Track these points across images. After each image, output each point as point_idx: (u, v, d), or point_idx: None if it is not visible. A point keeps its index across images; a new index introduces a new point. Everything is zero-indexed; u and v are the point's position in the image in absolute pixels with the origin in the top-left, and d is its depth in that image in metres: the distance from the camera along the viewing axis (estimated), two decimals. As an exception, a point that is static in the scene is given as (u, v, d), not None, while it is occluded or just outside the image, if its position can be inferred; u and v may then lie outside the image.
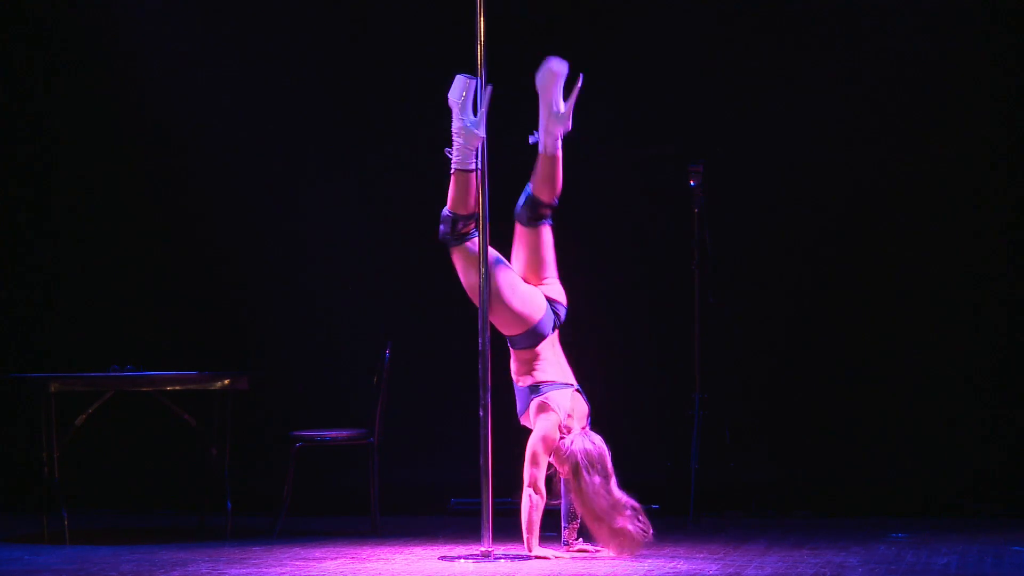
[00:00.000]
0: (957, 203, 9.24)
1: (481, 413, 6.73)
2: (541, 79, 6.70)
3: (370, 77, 9.84)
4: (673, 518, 8.49)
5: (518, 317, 6.77)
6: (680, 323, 8.93)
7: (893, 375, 9.25)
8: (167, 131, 9.87)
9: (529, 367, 6.84)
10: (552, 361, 6.88)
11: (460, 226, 6.82)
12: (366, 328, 9.56)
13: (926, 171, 9.22)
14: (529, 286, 6.84)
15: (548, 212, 6.86)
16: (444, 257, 7.24)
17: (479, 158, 6.82)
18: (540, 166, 6.76)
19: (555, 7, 9.53)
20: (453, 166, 6.90)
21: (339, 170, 9.80)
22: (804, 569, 6.34)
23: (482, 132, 6.75)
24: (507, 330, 6.82)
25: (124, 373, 8.13)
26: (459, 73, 6.94)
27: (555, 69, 6.69)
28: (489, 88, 6.78)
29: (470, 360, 7.17)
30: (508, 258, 7.01)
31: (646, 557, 6.73)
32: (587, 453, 6.65)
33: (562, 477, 6.78)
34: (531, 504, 6.67)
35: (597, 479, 6.65)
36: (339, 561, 6.88)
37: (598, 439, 6.75)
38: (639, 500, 6.96)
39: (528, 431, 6.84)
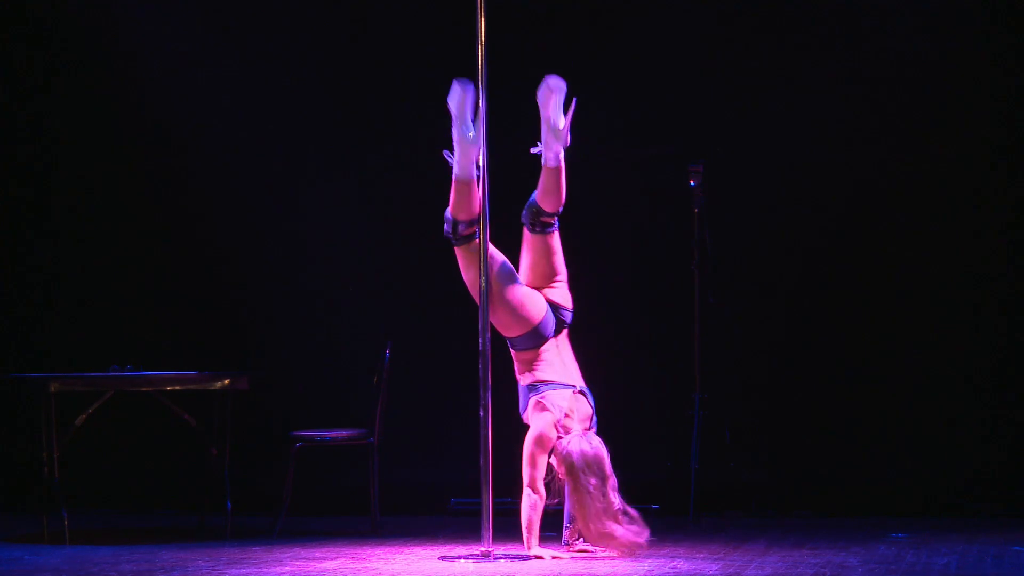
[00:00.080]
0: (957, 203, 9.25)
1: (481, 413, 6.73)
2: (541, 96, 6.78)
3: (370, 77, 9.86)
4: (673, 518, 8.52)
5: (517, 318, 6.81)
6: (680, 323, 8.95)
7: (893, 375, 9.26)
8: (167, 131, 9.89)
9: (530, 367, 6.88)
10: (555, 362, 6.90)
11: (462, 228, 6.86)
12: (366, 328, 9.57)
13: (926, 171, 9.23)
14: (529, 289, 6.87)
15: (552, 220, 6.91)
16: (444, 257, 7.27)
17: (480, 165, 6.85)
18: (543, 178, 6.82)
19: (555, 6, 9.56)
20: (454, 174, 6.92)
21: (339, 170, 9.82)
22: (804, 569, 6.35)
23: (480, 143, 6.77)
24: (507, 331, 6.86)
25: (124, 373, 8.13)
26: (457, 79, 6.94)
27: (553, 87, 6.77)
28: (483, 100, 6.82)
29: (470, 360, 7.17)
30: (516, 260, 7.04)
31: (646, 557, 6.74)
32: (583, 454, 6.66)
33: (560, 477, 6.79)
34: (529, 504, 6.69)
35: (592, 480, 6.65)
36: (339, 561, 6.88)
37: (596, 441, 6.75)
38: (639, 500, 6.98)
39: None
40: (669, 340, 9.25)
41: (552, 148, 6.77)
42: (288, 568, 6.61)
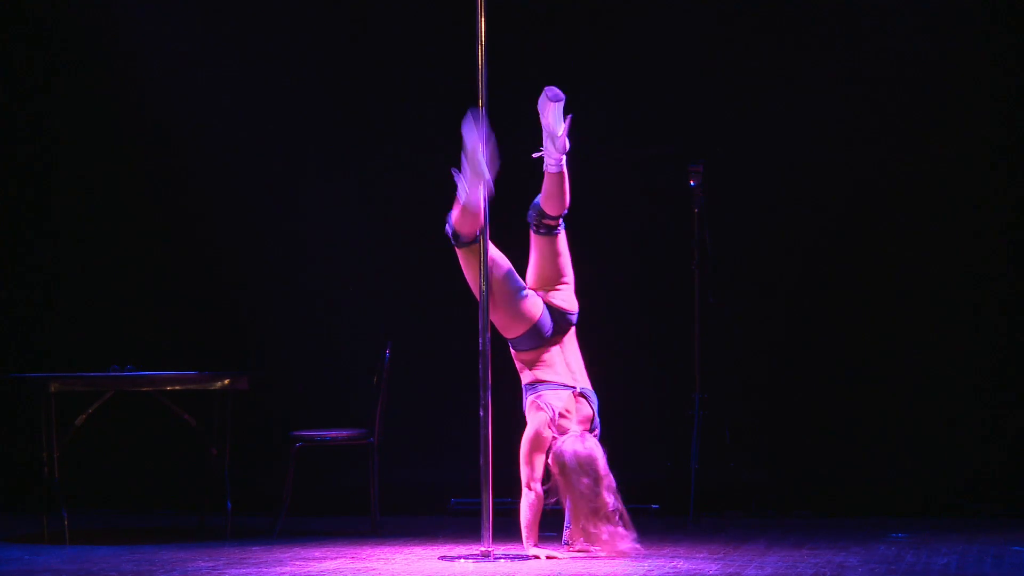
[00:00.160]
0: (957, 203, 9.29)
1: (481, 413, 6.74)
2: (540, 105, 6.85)
3: (370, 77, 9.90)
4: (673, 518, 8.55)
5: (517, 318, 6.86)
6: (680, 323, 8.99)
7: (893, 375, 9.30)
8: (167, 131, 9.94)
9: (531, 367, 6.94)
10: (556, 363, 6.95)
11: (464, 238, 6.89)
12: (366, 328, 9.60)
13: (926, 171, 9.27)
14: (528, 291, 6.92)
15: (555, 223, 6.96)
16: (444, 257, 7.31)
17: (486, 196, 6.90)
18: (546, 183, 6.87)
19: (555, 7, 9.59)
20: (461, 199, 6.94)
21: (339, 170, 9.87)
22: (804, 569, 6.37)
23: (488, 176, 6.81)
24: (508, 332, 6.92)
25: (124, 373, 8.15)
26: (474, 110, 6.92)
27: (551, 96, 6.84)
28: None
29: (470, 360, 7.20)
30: (522, 259, 7.08)
31: (646, 557, 6.78)
32: (575, 454, 6.69)
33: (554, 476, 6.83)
34: (527, 503, 6.74)
35: (584, 481, 6.69)
36: (339, 561, 6.91)
37: (591, 442, 6.79)
38: (639, 500, 6.98)
39: (530, 427, 6.98)
40: (669, 340, 9.29)
41: (552, 155, 6.83)
42: (288, 568, 6.63)
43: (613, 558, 6.69)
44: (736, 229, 9.26)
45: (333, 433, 8.37)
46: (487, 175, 6.79)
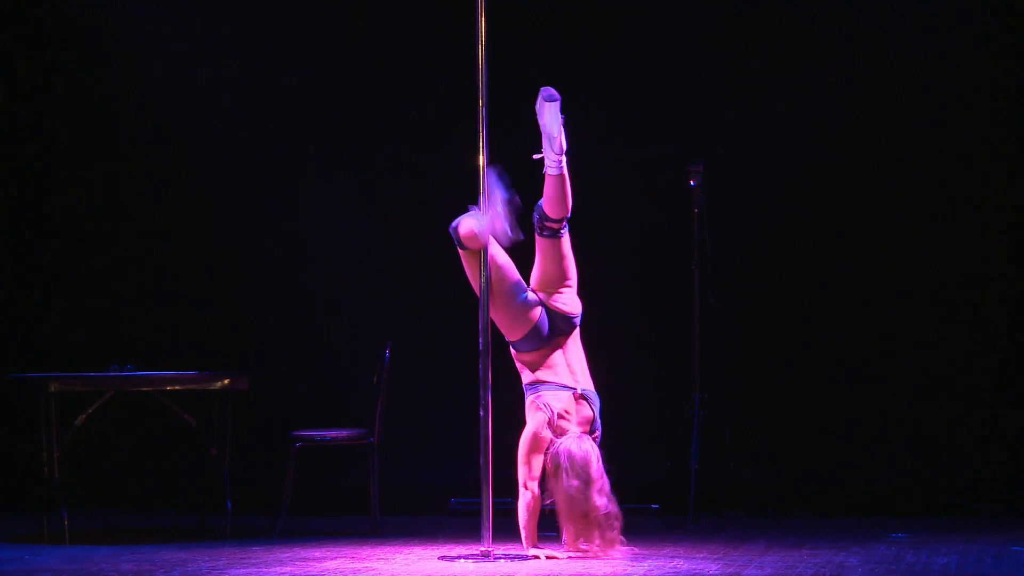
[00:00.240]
0: (957, 203, 9.34)
1: (481, 413, 6.78)
2: (537, 107, 6.89)
3: (370, 77, 9.96)
4: (673, 518, 8.57)
5: (516, 320, 6.91)
6: (680, 323, 9.02)
7: (893, 375, 9.35)
8: (167, 131, 10.00)
9: (533, 368, 6.98)
10: (557, 365, 6.98)
11: (467, 245, 6.94)
12: (366, 328, 9.64)
13: (926, 171, 9.33)
14: (529, 293, 6.97)
15: (558, 226, 6.99)
16: (444, 257, 7.32)
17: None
18: (547, 185, 6.91)
19: (555, 7, 9.64)
20: (474, 228, 7.02)
21: (339, 170, 9.92)
22: (804, 569, 6.39)
23: (513, 234, 6.91)
24: (509, 334, 6.97)
25: (124, 373, 8.16)
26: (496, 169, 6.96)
27: (546, 96, 6.88)
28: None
29: (470, 360, 7.22)
30: (525, 261, 7.12)
31: (646, 557, 6.80)
32: (570, 455, 6.72)
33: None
34: (524, 503, 6.78)
35: (575, 482, 6.72)
36: (339, 561, 6.92)
37: (588, 444, 6.81)
38: (640, 500, 6.96)
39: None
40: (669, 340, 9.33)
41: (551, 156, 6.86)
42: (288, 568, 6.64)
43: (612, 558, 6.71)
44: (736, 229, 9.30)
45: (333, 433, 8.38)
46: (512, 234, 6.87)
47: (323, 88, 9.93)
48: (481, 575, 6.42)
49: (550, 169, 6.84)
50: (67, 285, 10.08)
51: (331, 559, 7.05)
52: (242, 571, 6.51)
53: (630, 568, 6.46)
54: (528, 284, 7.05)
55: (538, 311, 6.95)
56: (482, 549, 6.75)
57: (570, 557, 6.76)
